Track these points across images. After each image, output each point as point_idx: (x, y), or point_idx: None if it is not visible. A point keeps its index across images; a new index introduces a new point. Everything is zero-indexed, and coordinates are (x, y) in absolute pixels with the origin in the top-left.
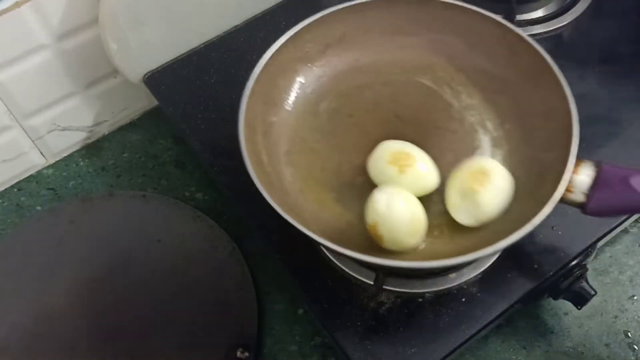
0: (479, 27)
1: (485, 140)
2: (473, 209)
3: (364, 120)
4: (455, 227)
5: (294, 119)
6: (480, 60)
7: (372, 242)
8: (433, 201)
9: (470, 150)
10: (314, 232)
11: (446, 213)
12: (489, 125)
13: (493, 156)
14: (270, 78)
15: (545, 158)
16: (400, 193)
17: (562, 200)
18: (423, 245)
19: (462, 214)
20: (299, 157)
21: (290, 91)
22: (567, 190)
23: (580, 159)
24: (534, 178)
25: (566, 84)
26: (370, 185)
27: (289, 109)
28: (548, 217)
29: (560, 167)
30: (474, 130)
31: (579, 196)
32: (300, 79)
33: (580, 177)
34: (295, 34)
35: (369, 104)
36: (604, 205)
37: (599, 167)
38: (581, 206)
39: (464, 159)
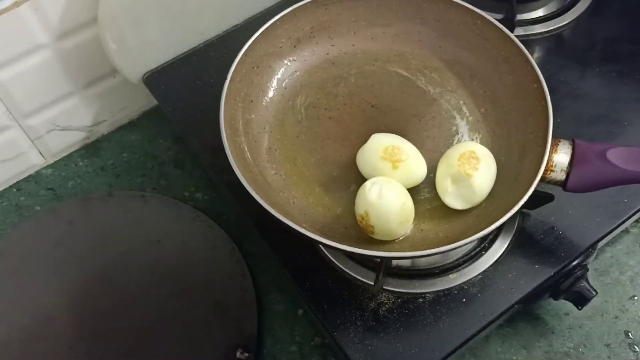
0: (448, 14)
1: (462, 125)
2: (467, 193)
3: (341, 112)
4: (440, 214)
5: (273, 116)
6: (451, 46)
7: (362, 235)
8: (417, 189)
9: (448, 135)
10: (303, 227)
11: (430, 200)
12: (465, 109)
13: (471, 140)
14: (245, 76)
15: (523, 139)
16: (391, 182)
17: (544, 179)
18: (409, 233)
19: (454, 199)
20: (281, 153)
21: (266, 88)
22: (548, 169)
23: (556, 138)
24: (514, 160)
25: (536, 66)
26: (355, 178)
27: (267, 105)
28: (545, 214)
29: (539, 147)
30: (451, 116)
31: (559, 174)
32: (275, 75)
33: (559, 156)
34: (266, 29)
35: (345, 96)
36: (584, 180)
37: (573, 144)
38: (562, 184)
39: (443, 144)
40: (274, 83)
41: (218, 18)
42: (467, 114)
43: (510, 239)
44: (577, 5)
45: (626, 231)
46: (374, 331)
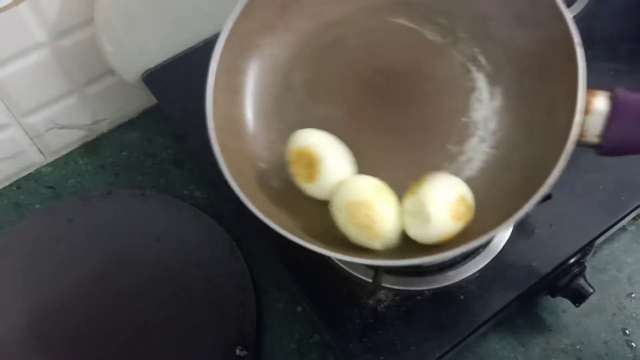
0: None
1: (480, 79)
2: (421, 214)
3: (341, 86)
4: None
5: (270, 104)
6: None
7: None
8: None
9: (466, 96)
10: (302, 238)
11: None
12: (482, 59)
13: (492, 97)
14: (232, 65)
15: (550, 91)
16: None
17: (579, 143)
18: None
19: (414, 229)
20: (283, 144)
21: (258, 71)
22: (583, 131)
23: (591, 89)
24: (541, 117)
25: (561, 3)
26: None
27: (262, 92)
28: (542, 211)
29: (569, 103)
30: (466, 70)
31: (592, 139)
32: (264, 53)
33: (592, 118)
34: (245, 8)
35: (344, 65)
36: (624, 143)
37: (613, 97)
38: (595, 147)
39: (461, 106)
40: (266, 62)
41: (216, 17)
42: (485, 63)
43: (507, 236)
44: (575, 5)
45: (624, 229)
46: (372, 328)
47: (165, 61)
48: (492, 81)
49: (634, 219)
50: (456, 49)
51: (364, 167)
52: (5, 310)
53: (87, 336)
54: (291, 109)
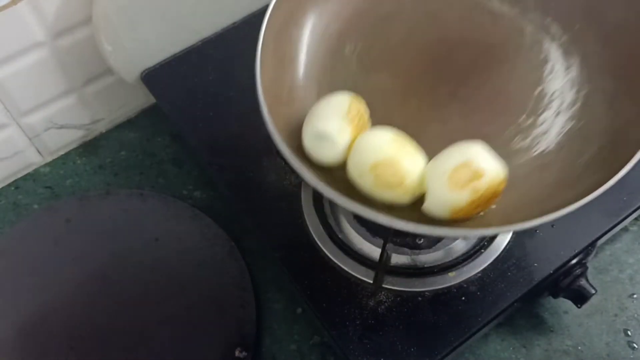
0: None
1: (553, 50)
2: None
3: (398, 57)
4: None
5: (321, 73)
6: None
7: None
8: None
9: (538, 67)
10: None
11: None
12: (555, 28)
13: (568, 67)
14: (281, 32)
15: (635, 58)
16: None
17: None
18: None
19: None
20: None
21: (308, 40)
22: None
23: None
24: (625, 85)
25: None
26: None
27: (312, 62)
28: None
29: None
30: (537, 41)
31: None
32: (315, 21)
33: None
34: None
35: (401, 35)
36: None
37: None
38: None
39: (532, 79)
40: (316, 31)
41: (215, 16)
42: (558, 32)
43: (509, 237)
44: None
45: (625, 229)
46: (372, 330)
47: (164, 60)
48: (567, 51)
49: (636, 219)
50: (525, 18)
51: (423, 144)
52: (3, 310)
53: (85, 337)
54: (343, 80)
